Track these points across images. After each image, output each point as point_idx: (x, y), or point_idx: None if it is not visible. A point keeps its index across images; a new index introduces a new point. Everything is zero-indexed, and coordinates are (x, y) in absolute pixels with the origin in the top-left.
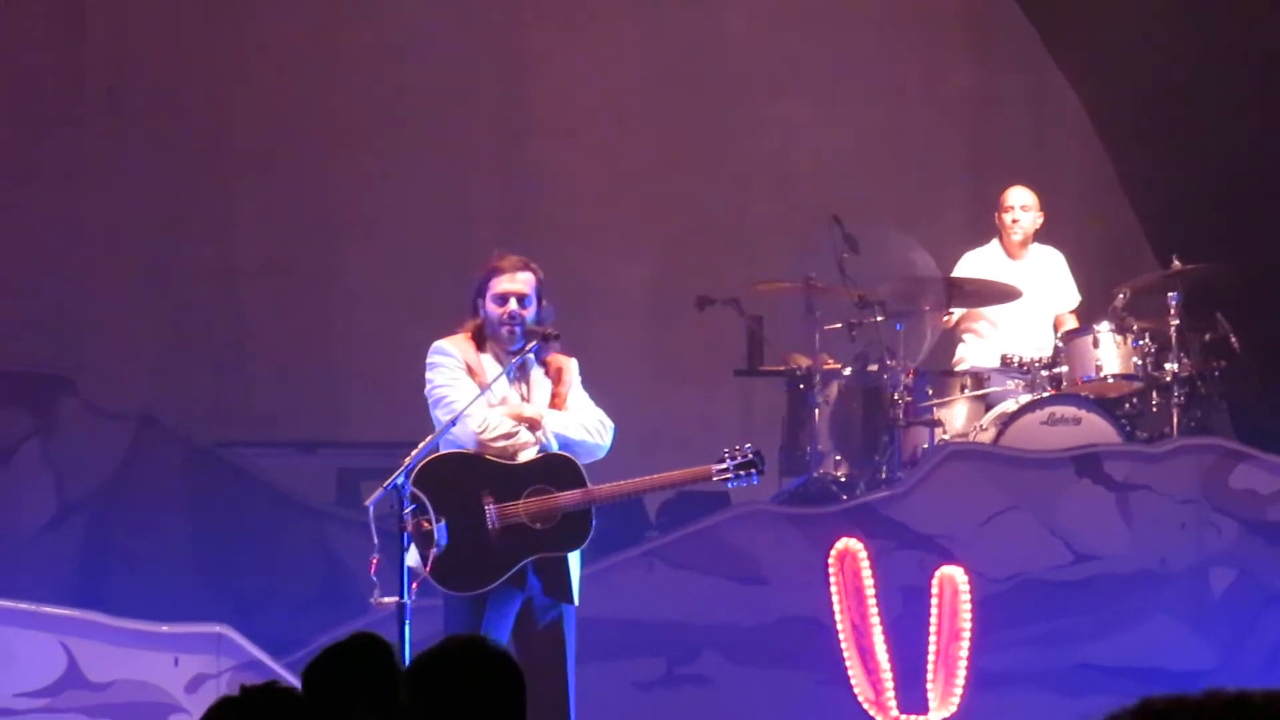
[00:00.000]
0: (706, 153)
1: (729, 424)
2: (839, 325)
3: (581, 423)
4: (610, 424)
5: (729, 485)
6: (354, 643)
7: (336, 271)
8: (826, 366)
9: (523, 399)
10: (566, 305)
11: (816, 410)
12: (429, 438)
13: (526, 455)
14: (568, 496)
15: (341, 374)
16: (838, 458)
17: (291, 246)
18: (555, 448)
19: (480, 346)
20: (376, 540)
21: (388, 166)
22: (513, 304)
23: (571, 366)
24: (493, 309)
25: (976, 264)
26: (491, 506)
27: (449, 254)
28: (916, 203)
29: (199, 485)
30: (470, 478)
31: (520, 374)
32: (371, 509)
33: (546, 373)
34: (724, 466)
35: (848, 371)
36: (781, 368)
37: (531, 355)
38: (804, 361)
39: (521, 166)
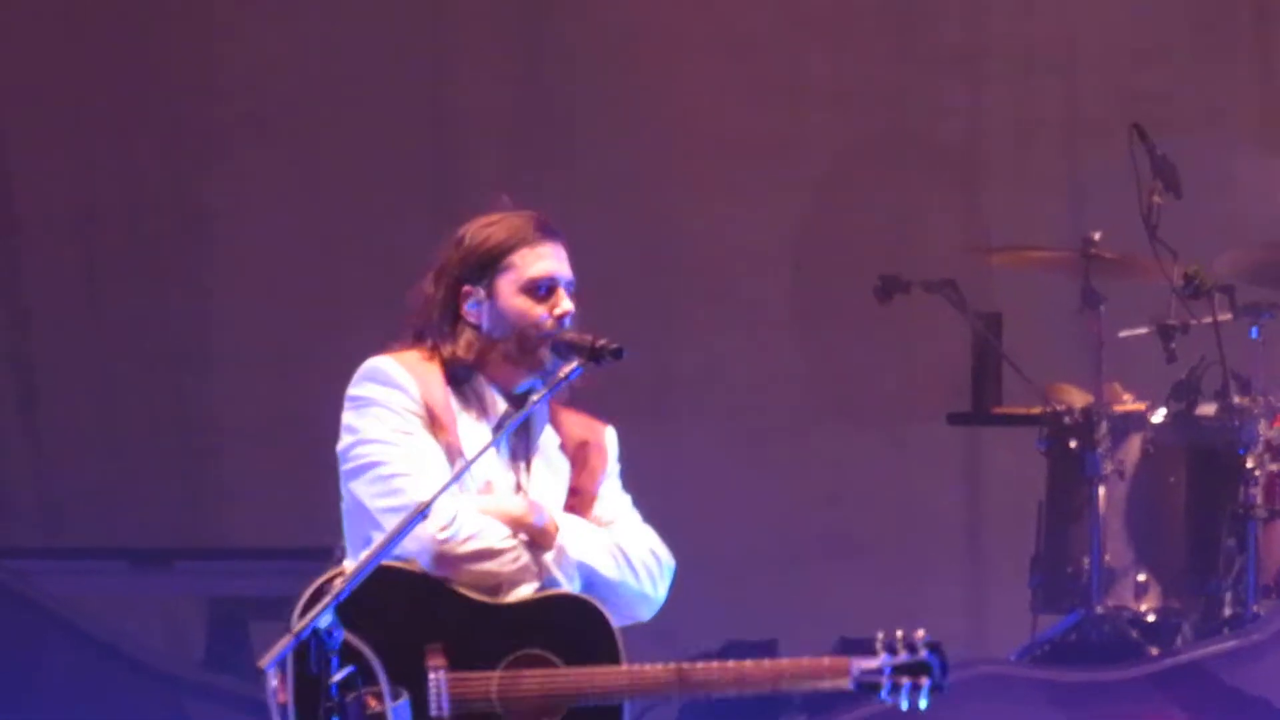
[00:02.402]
0: (889, 14)
1: (937, 514)
2: (1144, 330)
3: (621, 549)
4: (669, 560)
5: (881, 699)
6: None
7: (196, 236)
8: (1121, 408)
9: (518, 487)
10: (620, 291)
11: (1102, 488)
12: (379, 541)
13: (520, 593)
14: (584, 677)
15: (214, 427)
16: (1141, 577)
17: (110, 198)
18: (575, 587)
19: (456, 385)
20: None
21: (285, 40)
22: (564, 300)
23: (608, 443)
24: (523, 310)
25: None
26: (441, 677)
27: (397, 209)
28: None
29: None
30: (411, 619)
31: (519, 442)
32: (272, 674)
33: (563, 447)
34: (873, 667)
35: (1160, 417)
36: (1037, 409)
37: (543, 405)
38: (1078, 398)
39: (538, 46)
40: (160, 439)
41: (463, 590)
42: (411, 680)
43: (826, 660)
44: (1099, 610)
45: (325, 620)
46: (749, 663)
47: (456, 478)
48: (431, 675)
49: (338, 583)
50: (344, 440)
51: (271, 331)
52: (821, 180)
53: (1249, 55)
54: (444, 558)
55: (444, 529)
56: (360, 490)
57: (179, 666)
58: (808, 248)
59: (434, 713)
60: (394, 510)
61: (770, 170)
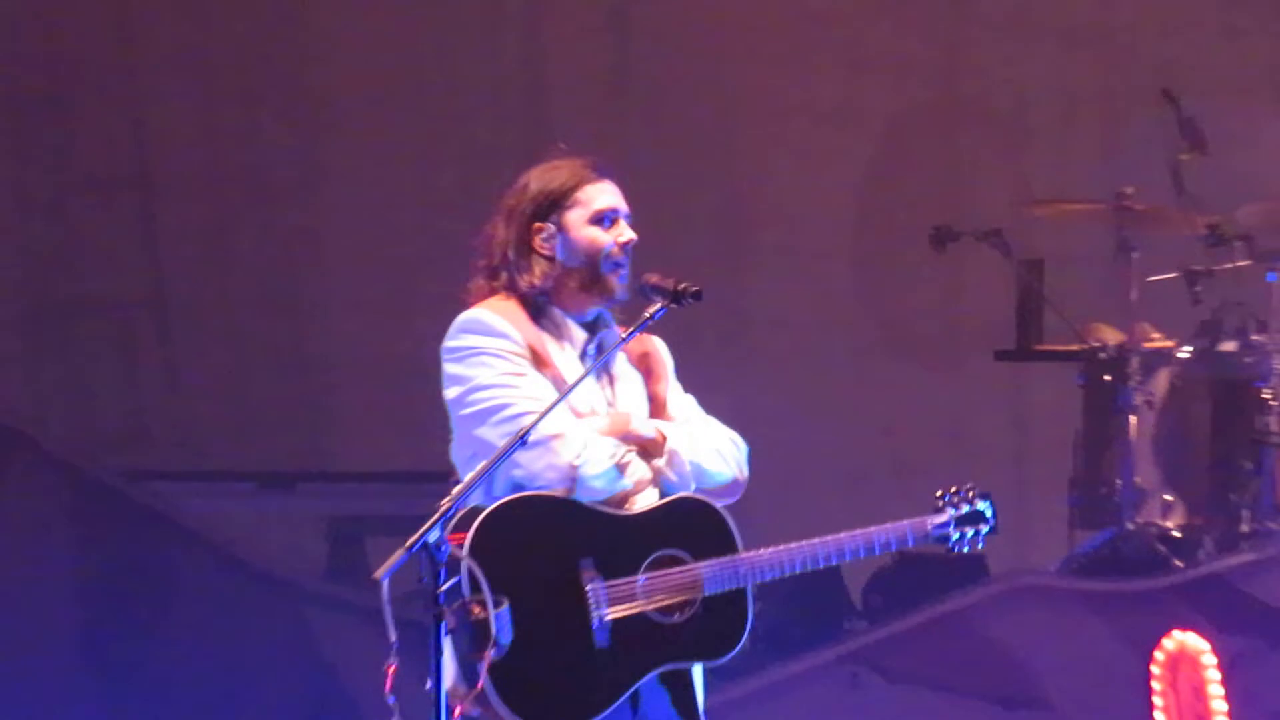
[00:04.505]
0: None
1: (984, 442)
2: (1172, 275)
3: (714, 445)
4: (743, 444)
5: (951, 549)
6: None
7: (313, 195)
8: (1150, 344)
9: (609, 404)
10: (700, 241)
11: (1133, 417)
12: (482, 465)
13: (643, 501)
14: (714, 569)
15: (332, 364)
16: (1168, 497)
17: (236, 161)
18: (690, 487)
19: (536, 317)
20: (394, 636)
21: (387, 17)
22: (626, 228)
23: (663, 351)
24: (592, 238)
25: None
26: (599, 587)
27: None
28: None
29: (95, 542)
30: (562, 539)
31: (600, 363)
32: (386, 584)
33: (631, 361)
34: (944, 521)
35: (1186, 353)
36: (1074, 346)
37: (613, 327)
38: (1112, 336)
39: (622, 15)
40: (283, 374)
41: (600, 507)
42: (565, 597)
43: (906, 523)
44: (1130, 527)
45: (434, 535)
46: (845, 534)
47: (553, 406)
48: (589, 587)
49: (444, 502)
50: (453, 390)
51: (380, 278)
52: (881, 141)
53: (1267, 25)
54: (581, 481)
55: (578, 456)
56: (488, 434)
57: (302, 578)
58: (868, 201)
59: (596, 620)
60: (530, 446)
61: (834, 132)
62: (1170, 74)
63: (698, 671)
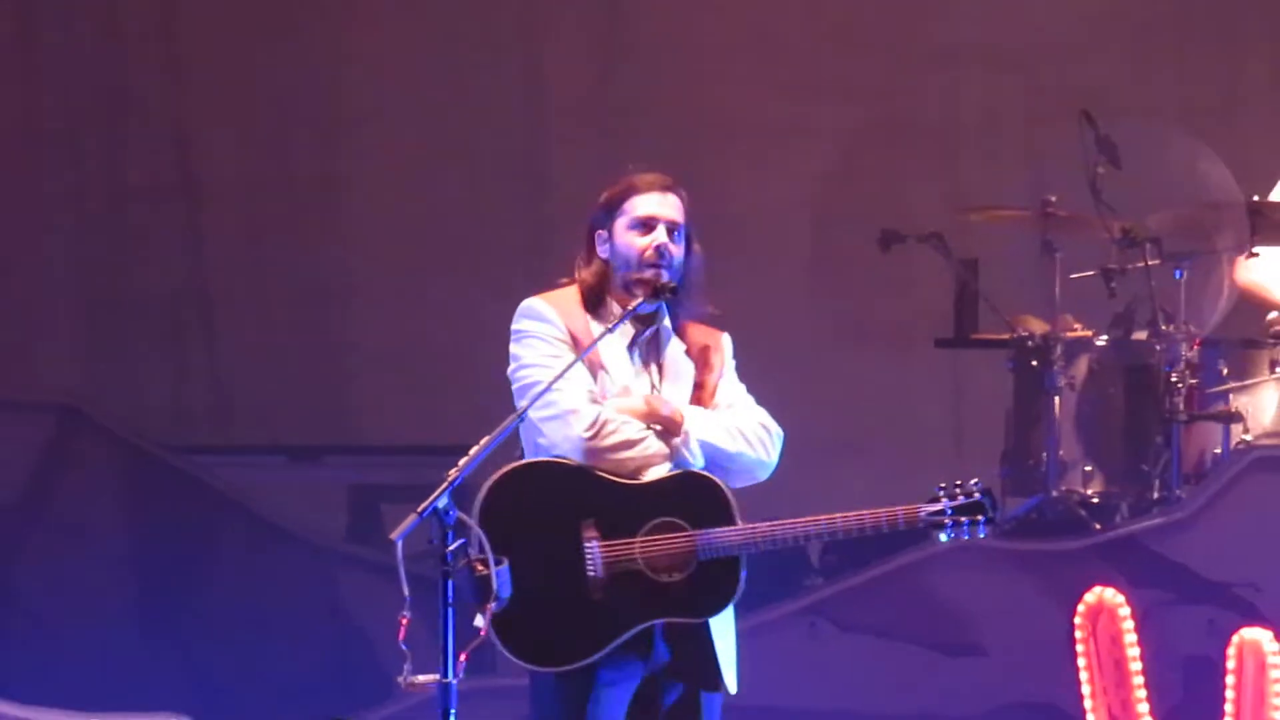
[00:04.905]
0: (884, 22)
1: (926, 419)
2: (1090, 273)
3: (738, 427)
4: (777, 431)
5: (945, 536)
6: None
7: (336, 200)
8: (1072, 334)
9: (652, 387)
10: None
11: (1057, 398)
12: (485, 439)
13: (655, 473)
14: (709, 537)
15: (353, 350)
16: (1088, 468)
17: (270, 171)
18: (699, 464)
19: (593, 309)
20: (408, 591)
21: (403, 41)
22: (661, 233)
23: (724, 345)
24: (629, 242)
25: None
26: (595, 545)
27: (511, 163)
28: (1207, 92)
29: (146, 508)
30: (568, 501)
31: (650, 351)
32: (400, 545)
33: (688, 352)
34: (937, 509)
35: (1103, 341)
36: (1005, 335)
37: (665, 321)
38: (1038, 326)
39: (610, 42)
40: (310, 360)
41: (609, 476)
42: (566, 550)
43: (900, 509)
44: (1054, 494)
45: (443, 501)
46: (838, 515)
47: (562, 374)
48: (587, 545)
49: (451, 472)
50: (510, 366)
51: (395, 273)
52: (836, 154)
53: (1171, 54)
54: (592, 452)
55: (589, 428)
56: (522, 404)
57: (327, 539)
58: (825, 207)
59: (590, 574)
60: (549, 419)
61: (794, 147)
62: (1088, 97)
63: (721, 629)
